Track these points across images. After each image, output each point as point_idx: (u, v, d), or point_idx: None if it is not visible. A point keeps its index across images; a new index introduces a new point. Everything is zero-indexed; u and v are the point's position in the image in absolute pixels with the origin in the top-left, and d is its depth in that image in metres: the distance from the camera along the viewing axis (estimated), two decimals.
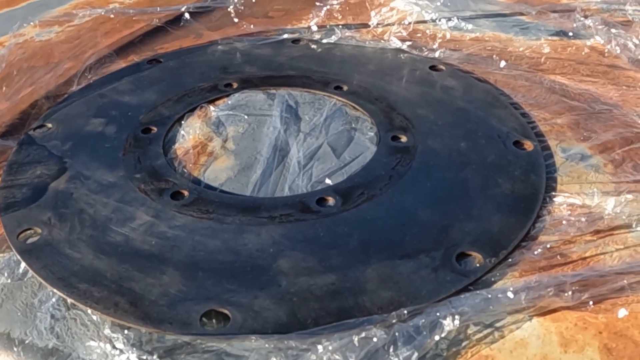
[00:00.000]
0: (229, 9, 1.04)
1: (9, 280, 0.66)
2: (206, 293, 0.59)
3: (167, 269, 0.62)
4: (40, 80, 0.97)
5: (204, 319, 0.58)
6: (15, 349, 0.60)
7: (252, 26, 1.02)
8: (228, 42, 1.02)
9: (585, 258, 0.61)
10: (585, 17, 0.96)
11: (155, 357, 0.55)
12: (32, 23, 1.04)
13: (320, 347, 0.53)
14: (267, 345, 0.55)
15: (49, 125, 0.86)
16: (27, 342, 0.60)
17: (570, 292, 0.56)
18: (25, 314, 0.62)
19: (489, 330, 0.56)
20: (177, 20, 1.07)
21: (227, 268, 0.62)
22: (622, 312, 0.56)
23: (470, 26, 0.99)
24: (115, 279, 0.62)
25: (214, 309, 0.58)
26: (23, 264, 0.66)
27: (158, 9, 1.06)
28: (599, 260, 0.61)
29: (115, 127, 0.84)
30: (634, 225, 0.63)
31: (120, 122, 0.85)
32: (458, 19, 0.99)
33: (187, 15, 1.06)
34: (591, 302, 0.57)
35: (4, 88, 0.94)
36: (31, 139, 0.84)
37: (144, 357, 0.56)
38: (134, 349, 0.57)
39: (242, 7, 1.04)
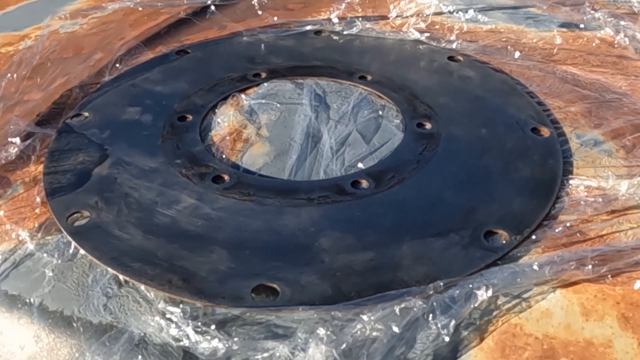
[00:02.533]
0: (253, 2, 1.08)
1: (59, 261, 0.68)
2: (254, 269, 0.63)
3: (214, 248, 0.66)
4: (72, 71, 1.00)
5: (253, 294, 0.62)
6: (69, 326, 0.63)
7: (275, 18, 1.06)
8: (252, 34, 1.06)
9: (602, 236, 0.66)
10: (595, 10, 1.01)
11: (212, 327, 0.59)
12: (62, 15, 1.07)
13: (364, 317, 0.58)
14: (314, 315, 0.60)
15: (86, 114, 0.90)
16: (81, 319, 0.63)
17: (590, 266, 0.61)
18: (77, 293, 0.65)
19: (516, 300, 0.61)
20: (201, 12, 1.11)
21: (271, 246, 0.66)
22: (638, 284, 0.61)
23: (485, 18, 1.04)
24: (166, 258, 0.66)
25: (262, 283, 0.62)
26: (72, 246, 0.69)
27: (185, 0, 1.10)
28: (614, 238, 0.66)
29: (151, 115, 0.88)
30: None
31: (155, 111, 0.89)
32: (474, 11, 1.03)
33: (212, 8, 1.10)
34: (609, 276, 0.61)
35: (38, 79, 0.98)
36: (69, 127, 0.88)
37: (200, 330, 0.61)
38: (189, 321, 0.61)
39: (267, 1, 1.08)
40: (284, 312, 0.61)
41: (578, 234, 0.66)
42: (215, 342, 0.59)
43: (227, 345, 0.59)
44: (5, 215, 0.76)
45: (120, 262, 0.66)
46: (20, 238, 0.71)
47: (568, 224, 0.67)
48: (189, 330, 0.61)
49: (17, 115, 0.91)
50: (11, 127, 0.87)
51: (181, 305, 0.63)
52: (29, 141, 0.84)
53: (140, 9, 1.06)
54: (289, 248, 0.66)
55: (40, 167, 0.82)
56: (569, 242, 0.66)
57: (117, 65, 1.01)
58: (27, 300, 0.66)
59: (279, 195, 0.72)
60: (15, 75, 0.96)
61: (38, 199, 0.77)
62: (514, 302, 0.61)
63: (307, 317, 0.60)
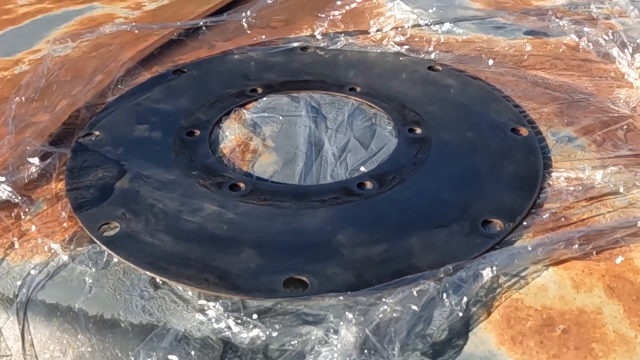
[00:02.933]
0: (241, 21, 1.16)
1: (94, 270, 0.73)
2: (282, 265, 0.71)
3: (242, 249, 0.73)
4: (77, 93, 1.06)
5: (284, 286, 0.69)
6: (110, 329, 0.67)
7: (263, 36, 1.14)
8: (242, 52, 1.14)
9: (583, 219, 0.75)
10: (559, 18, 1.12)
11: (254, 317, 0.66)
12: (62, 39, 1.13)
13: (386, 300, 0.65)
14: (342, 302, 0.67)
15: (97, 133, 0.96)
16: (122, 321, 0.67)
17: (577, 245, 0.69)
18: (115, 298, 0.69)
19: (515, 279, 0.69)
20: (192, 32, 1.18)
21: (294, 244, 0.74)
22: (619, 259, 0.70)
23: (459, 30, 1.14)
24: (200, 260, 0.72)
25: (292, 277, 0.69)
26: (105, 255, 0.74)
27: (178, 23, 1.17)
28: (595, 221, 0.75)
29: (160, 132, 0.95)
30: (621, 191, 0.77)
31: (163, 127, 0.96)
32: (449, 23, 1.13)
33: (203, 28, 1.17)
34: (594, 253, 0.70)
35: (45, 101, 1.03)
36: (83, 146, 0.94)
37: (240, 321, 0.66)
38: (230, 314, 0.67)
39: (254, 20, 1.15)
40: (313, 301, 0.68)
41: (562, 219, 0.75)
42: (255, 331, 0.65)
43: (267, 332, 0.65)
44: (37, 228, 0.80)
45: (157, 265, 0.71)
46: (52, 251, 0.76)
47: (553, 211, 0.76)
48: (230, 322, 0.67)
49: (30, 137, 0.96)
50: (27, 147, 0.92)
51: (220, 301, 0.69)
52: (48, 160, 0.89)
53: (136, 31, 1.12)
54: (311, 245, 0.73)
55: (60, 185, 0.86)
56: (555, 226, 0.75)
57: (119, 85, 1.07)
58: (66, 308, 0.70)
59: (293, 199, 0.80)
60: (24, 98, 1.01)
61: (64, 214, 0.81)
62: (513, 280, 0.69)
63: (335, 304, 0.67)
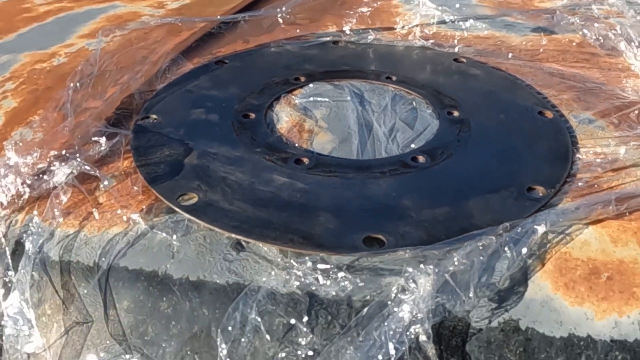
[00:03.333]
0: (277, 17, 1.25)
1: (174, 237, 0.77)
2: (359, 226, 0.79)
3: (319, 213, 0.81)
4: (126, 80, 1.13)
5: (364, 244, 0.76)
6: (197, 290, 0.72)
7: (297, 30, 1.23)
8: (279, 45, 1.23)
9: (612, 187, 0.86)
10: (570, 15, 1.25)
11: (343, 269, 0.75)
12: (116, 31, 1.20)
13: (455, 253, 0.74)
14: (416, 254, 0.77)
15: (154, 116, 1.02)
16: (208, 282, 0.73)
17: (612, 206, 0.80)
18: (198, 261, 0.74)
19: (561, 236, 0.78)
20: (231, 26, 1.26)
21: (366, 209, 0.82)
22: None
23: (478, 26, 1.25)
24: (281, 223, 0.79)
25: (369, 235, 0.78)
26: (184, 223, 0.78)
27: (218, 17, 1.25)
28: (624, 187, 0.86)
29: (216, 115, 1.02)
30: None
31: (218, 111, 1.03)
32: (474, 19, 1.24)
33: (242, 22, 1.26)
34: (627, 213, 0.80)
35: (99, 87, 1.10)
36: (143, 128, 1.00)
37: (327, 275, 0.73)
38: (316, 269, 0.73)
39: (288, 15, 1.25)
40: (390, 256, 0.76)
41: (595, 186, 0.86)
42: (341, 284, 0.74)
43: (352, 284, 0.74)
44: (110, 203, 0.86)
45: (242, 229, 0.78)
46: (131, 220, 0.80)
47: (586, 180, 0.87)
48: (319, 277, 0.75)
49: (89, 119, 1.02)
50: (91, 129, 0.99)
51: (299, 260, 0.75)
52: (115, 139, 0.95)
53: (179, 23, 1.20)
54: (381, 209, 0.82)
55: (127, 163, 0.92)
56: (590, 192, 0.85)
57: (166, 74, 1.14)
58: (150, 272, 0.75)
59: (356, 171, 0.89)
60: (78, 84, 1.08)
61: (136, 188, 0.86)
62: (560, 237, 0.78)
63: (409, 258, 0.76)
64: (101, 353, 0.77)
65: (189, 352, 0.74)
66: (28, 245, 0.80)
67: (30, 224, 0.83)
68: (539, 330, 0.70)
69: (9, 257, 0.81)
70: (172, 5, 1.51)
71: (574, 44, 1.22)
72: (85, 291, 0.78)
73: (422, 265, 0.71)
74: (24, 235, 0.82)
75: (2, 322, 0.78)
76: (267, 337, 0.72)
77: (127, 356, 0.76)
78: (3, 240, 0.82)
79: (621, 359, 0.69)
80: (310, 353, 0.71)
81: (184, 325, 0.75)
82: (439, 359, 0.70)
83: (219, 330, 0.70)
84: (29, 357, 0.79)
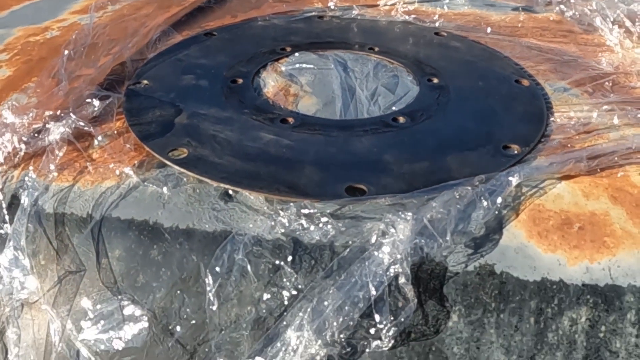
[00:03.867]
0: None
1: (165, 189, 0.80)
2: (342, 177, 0.82)
3: (304, 166, 0.85)
4: (118, 50, 1.16)
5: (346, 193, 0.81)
6: (187, 237, 0.76)
7: (284, 5, 1.27)
8: (265, 19, 1.27)
9: (584, 147, 0.91)
10: None
11: (327, 214, 0.78)
12: (109, 4, 1.23)
13: (432, 202, 0.78)
14: (396, 201, 0.80)
15: (145, 81, 1.05)
16: (195, 230, 0.76)
17: (584, 162, 0.84)
18: (188, 211, 0.77)
19: (535, 189, 0.82)
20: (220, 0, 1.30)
21: (349, 163, 0.86)
22: (619, 174, 0.85)
23: (458, 4, 1.30)
24: (268, 175, 0.82)
25: (351, 185, 0.81)
26: (174, 177, 0.82)
27: None
28: (594, 147, 0.91)
29: (206, 81, 1.06)
30: (615, 123, 0.93)
31: (207, 77, 1.07)
32: None
33: None
34: (598, 169, 0.84)
35: (92, 56, 1.14)
36: (134, 92, 1.03)
37: (310, 221, 0.76)
38: (300, 216, 0.76)
39: None
40: (369, 204, 0.79)
41: (568, 145, 0.90)
42: (324, 228, 0.77)
43: (335, 228, 0.78)
44: (103, 159, 0.89)
45: (230, 179, 0.81)
46: (123, 174, 0.83)
47: (559, 140, 0.91)
48: (302, 221, 0.79)
49: (82, 84, 1.06)
50: (85, 92, 1.02)
51: (291, 204, 0.80)
52: (108, 100, 0.98)
53: None
54: (363, 163, 0.86)
55: (119, 123, 0.95)
56: (563, 151, 0.90)
57: (157, 44, 1.17)
58: (141, 222, 0.78)
59: (339, 130, 0.93)
60: (72, 52, 1.11)
61: (128, 146, 0.89)
62: (533, 190, 0.82)
63: (390, 205, 0.80)
64: (93, 299, 0.80)
65: (177, 294, 0.77)
66: (24, 199, 0.83)
67: (26, 179, 0.85)
68: (514, 274, 0.74)
69: (4, 210, 0.84)
70: None
71: (552, 20, 1.27)
72: (78, 241, 0.81)
73: (401, 212, 0.75)
74: (20, 189, 0.84)
75: None
76: (254, 278, 0.75)
77: (118, 302, 0.79)
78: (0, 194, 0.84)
79: (592, 302, 0.73)
80: (294, 293, 0.74)
81: (174, 270, 0.78)
82: (417, 300, 0.73)
83: (207, 270, 0.74)
84: (23, 305, 0.82)
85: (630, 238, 0.76)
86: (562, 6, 1.26)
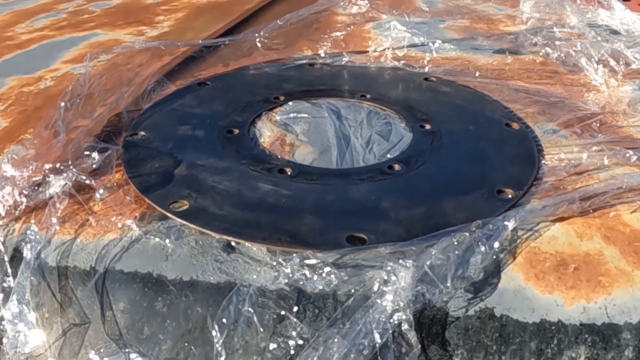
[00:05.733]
0: (256, 41, 1.32)
1: (167, 241, 0.81)
2: (342, 225, 0.84)
3: (304, 215, 0.86)
4: (113, 100, 1.18)
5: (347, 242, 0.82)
6: (191, 288, 0.76)
7: (275, 54, 1.30)
8: (257, 67, 1.29)
9: (577, 188, 0.93)
10: (532, 35, 1.33)
11: (329, 264, 0.80)
12: (96, 53, 1.25)
13: (432, 248, 0.80)
14: (397, 249, 0.82)
15: (142, 132, 1.07)
16: (199, 282, 0.77)
17: (577, 204, 0.86)
18: (191, 263, 0.78)
19: (530, 232, 0.84)
20: (212, 50, 1.33)
21: (348, 211, 0.87)
22: (612, 214, 0.88)
23: (445, 49, 1.33)
24: (269, 225, 0.83)
25: (352, 234, 0.83)
26: (176, 228, 0.83)
27: (200, 41, 1.31)
28: (586, 188, 0.93)
29: (202, 131, 1.08)
30: (605, 163, 0.96)
31: (203, 127, 1.08)
32: (442, 42, 1.33)
33: (222, 46, 1.32)
34: (591, 210, 0.87)
35: (88, 107, 1.15)
36: (132, 143, 1.05)
37: (314, 270, 0.77)
38: (303, 266, 0.78)
39: (266, 40, 1.32)
40: (372, 252, 0.81)
41: (560, 187, 0.92)
42: (327, 278, 0.79)
43: (338, 277, 0.79)
44: (104, 211, 0.90)
45: (233, 231, 0.83)
46: (125, 227, 0.83)
47: (551, 182, 0.94)
48: (305, 271, 0.80)
49: (80, 136, 1.07)
50: (83, 144, 1.04)
51: (294, 255, 0.81)
52: (108, 152, 0.99)
53: (163, 47, 1.26)
54: (362, 210, 0.87)
55: (118, 175, 0.96)
56: (555, 193, 0.92)
57: (152, 95, 1.19)
58: (145, 274, 0.79)
59: (337, 178, 0.94)
60: (69, 104, 1.13)
61: (128, 198, 0.91)
62: (529, 233, 0.84)
63: (390, 252, 0.82)
64: (98, 352, 0.80)
65: (184, 346, 0.78)
66: (26, 252, 0.84)
67: (28, 232, 0.86)
68: (513, 316, 0.76)
69: (7, 263, 0.84)
70: (152, 33, 1.57)
71: (538, 62, 1.31)
72: (82, 294, 0.81)
73: (401, 260, 0.77)
74: (22, 242, 0.85)
75: (2, 325, 0.81)
76: (259, 328, 0.76)
77: (124, 354, 0.80)
78: (1, 247, 0.85)
79: (590, 341, 0.75)
80: (300, 342, 0.75)
81: (179, 322, 0.78)
82: (421, 346, 0.74)
83: (214, 322, 0.75)
84: (28, 359, 0.82)
85: (624, 276, 0.78)
86: (547, 48, 1.30)
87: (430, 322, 0.76)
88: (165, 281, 0.80)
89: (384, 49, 1.34)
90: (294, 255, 0.79)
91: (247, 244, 0.82)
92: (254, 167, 0.96)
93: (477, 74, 1.24)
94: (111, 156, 0.99)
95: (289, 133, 1.07)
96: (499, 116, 1.10)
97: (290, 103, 1.15)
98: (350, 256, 0.80)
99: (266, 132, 1.07)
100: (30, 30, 1.68)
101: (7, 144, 1.06)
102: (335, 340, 0.74)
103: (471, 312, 0.76)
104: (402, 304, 0.73)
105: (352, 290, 0.76)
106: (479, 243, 0.80)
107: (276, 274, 0.79)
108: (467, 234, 0.80)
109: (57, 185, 0.90)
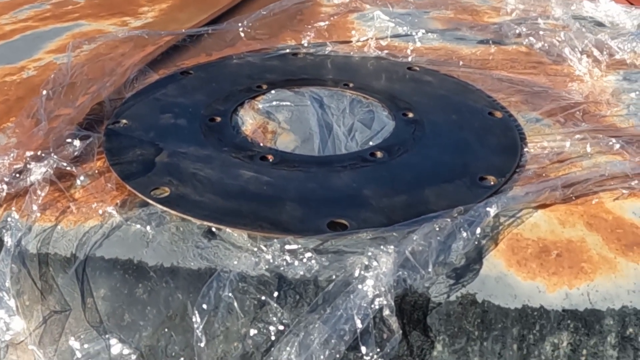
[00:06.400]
0: (239, 31, 1.31)
1: (148, 228, 0.81)
2: (323, 212, 0.83)
3: (286, 202, 0.86)
4: (95, 89, 1.17)
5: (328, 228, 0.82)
6: (172, 275, 0.76)
7: (258, 43, 1.29)
8: (240, 57, 1.29)
9: (559, 175, 0.93)
10: (517, 25, 1.34)
11: (311, 251, 0.79)
12: (81, 42, 1.24)
13: (413, 234, 0.79)
14: (378, 235, 0.81)
15: (124, 121, 1.06)
16: (180, 268, 0.76)
17: (559, 191, 0.86)
18: (172, 250, 0.78)
19: (513, 219, 0.84)
20: (195, 39, 1.32)
21: (329, 198, 0.87)
22: (594, 202, 0.88)
23: (429, 39, 1.33)
24: (250, 211, 0.83)
25: (333, 220, 0.83)
26: (157, 215, 0.82)
27: (183, 30, 1.31)
28: (568, 175, 0.93)
29: (184, 119, 1.07)
30: (588, 151, 0.96)
31: (186, 116, 1.08)
32: (425, 32, 1.33)
33: (205, 35, 1.31)
34: (573, 197, 0.86)
35: (70, 96, 1.14)
36: (114, 131, 1.04)
37: (295, 257, 0.77)
38: (285, 252, 0.77)
39: (249, 30, 1.31)
40: (354, 238, 0.80)
41: (543, 175, 0.92)
42: (308, 264, 0.78)
43: (319, 263, 0.79)
44: (85, 198, 0.89)
45: (214, 217, 0.82)
46: (106, 214, 0.83)
47: (534, 169, 0.94)
48: (286, 257, 0.79)
49: (62, 124, 1.06)
50: (65, 132, 1.03)
51: (275, 241, 0.80)
52: (89, 140, 0.97)
53: (146, 36, 1.25)
54: (343, 198, 0.87)
55: (99, 163, 0.95)
56: (538, 181, 0.92)
57: (134, 84, 1.19)
58: (126, 261, 0.78)
59: (319, 166, 0.94)
60: (51, 92, 1.12)
61: (109, 185, 0.90)
62: (511, 220, 0.84)
63: (371, 238, 0.81)
64: (79, 339, 0.80)
65: (164, 332, 0.77)
66: (7, 239, 0.83)
67: (9, 219, 0.85)
68: (495, 302, 0.76)
69: None
70: (135, 24, 1.56)
71: (522, 52, 1.31)
72: (63, 282, 0.81)
73: (382, 245, 0.76)
74: (2, 229, 0.84)
75: None
76: (240, 314, 0.75)
77: (105, 341, 0.79)
78: None
79: (573, 327, 0.75)
80: (281, 328, 0.75)
81: (160, 309, 0.78)
82: (402, 331, 0.74)
83: (194, 308, 0.74)
84: (8, 346, 0.82)
85: (606, 263, 0.78)
86: (531, 38, 1.30)
87: (412, 308, 0.76)
88: (146, 268, 0.79)
89: (367, 39, 1.33)
90: (275, 240, 0.78)
91: (228, 229, 0.82)
92: (235, 155, 0.96)
93: (461, 63, 1.24)
94: (93, 144, 0.98)
95: (271, 121, 1.06)
96: (482, 105, 1.10)
97: (272, 91, 1.14)
98: (332, 242, 0.80)
99: (248, 120, 1.07)
100: (14, 21, 1.66)
101: None
102: (316, 325, 0.73)
103: (453, 298, 0.76)
104: (383, 290, 0.73)
105: (333, 276, 0.76)
106: (461, 229, 0.80)
107: (257, 259, 0.78)
108: (449, 220, 0.80)
109: (37, 172, 0.89)
